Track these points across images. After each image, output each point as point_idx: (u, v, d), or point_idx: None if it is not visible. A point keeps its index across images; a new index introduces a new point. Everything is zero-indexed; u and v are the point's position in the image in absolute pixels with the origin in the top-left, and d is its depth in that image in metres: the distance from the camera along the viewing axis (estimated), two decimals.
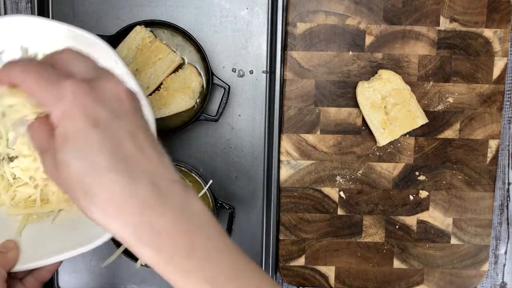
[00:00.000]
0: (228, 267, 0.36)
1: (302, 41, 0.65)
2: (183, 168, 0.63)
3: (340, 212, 0.67)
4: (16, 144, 0.43)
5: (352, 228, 0.67)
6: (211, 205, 0.63)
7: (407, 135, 0.66)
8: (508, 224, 0.71)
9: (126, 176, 0.33)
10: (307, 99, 0.66)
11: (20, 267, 0.45)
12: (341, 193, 0.67)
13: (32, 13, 0.62)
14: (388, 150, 0.67)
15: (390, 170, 0.67)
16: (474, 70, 0.66)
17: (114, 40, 0.62)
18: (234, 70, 0.67)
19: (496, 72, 0.66)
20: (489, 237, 0.68)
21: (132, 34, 0.62)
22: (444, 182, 0.67)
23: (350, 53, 0.66)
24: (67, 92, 0.32)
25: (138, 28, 0.62)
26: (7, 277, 0.43)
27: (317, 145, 0.66)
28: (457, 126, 0.67)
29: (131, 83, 0.47)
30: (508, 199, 0.70)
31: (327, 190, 0.67)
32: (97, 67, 0.36)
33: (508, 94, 0.69)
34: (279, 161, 0.66)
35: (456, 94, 0.66)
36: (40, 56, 0.40)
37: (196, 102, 0.64)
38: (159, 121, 0.58)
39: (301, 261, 0.67)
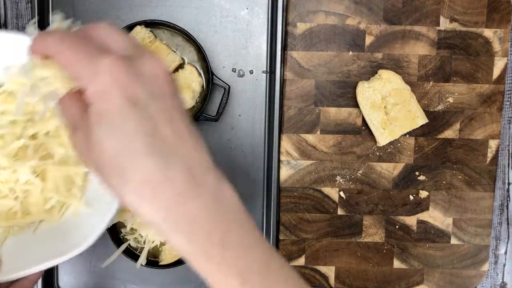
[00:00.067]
0: (259, 260, 0.36)
1: (302, 41, 0.65)
2: None
3: (340, 212, 0.67)
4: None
5: (352, 228, 0.67)
6: None
7: (407, 135, 0.66)
8: (508, 224, 0.71)
9: (162, 160, 0.32)
10: (307, 99, 0.66)
11: (1, 278, 0.46)
12: (341, 193, 0.67)
13: (32, 13, 0.62)
14: (388, 150, 0.67)
15: (390, 170, 0.67)
16: (474, 70, 0.66)
17: None
18: (234, 70, 0.67)
19: (496, 72, 0.66)
20: (489, 237, 0.68)
21: (132, 34, 0.62)
22: (444, 182, 0.67)
23: (350, 53, 0.66)
24: (106, 69, 0.31)
25: (138, 28, 0.62)
26: None
27: (317, 145, 0.66)
28: (457, 126, 0.67)
29: None
30: (508, 199, 0.70)
31: (327, 190, 0.67)
32: (136, 45, 0.34)
33: (508, 94, 0.69)
34: (279, 161, 0.66)
35: (456, 94, 0.66)
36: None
37: (196, 102, 0.64)
38: None
39: (301, 261, 0.67)
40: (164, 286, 0.68)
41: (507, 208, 0.71)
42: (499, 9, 0.65)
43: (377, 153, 0.67)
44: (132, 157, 0.31)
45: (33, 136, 0.53)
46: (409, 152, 0.67)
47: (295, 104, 0.66)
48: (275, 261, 0.37)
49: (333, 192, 0.67)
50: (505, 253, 0.71)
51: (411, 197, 0.67)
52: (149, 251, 0.61)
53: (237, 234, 0.35)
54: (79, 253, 0.49)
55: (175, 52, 0.63)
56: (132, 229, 0.61)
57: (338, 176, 0.67)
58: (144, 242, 0.61)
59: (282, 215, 0.67)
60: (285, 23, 0.65)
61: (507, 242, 0.71)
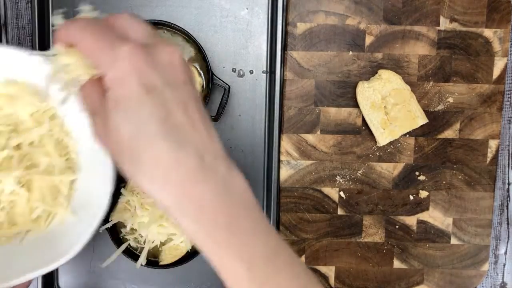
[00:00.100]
0: (265, 248, 0.36)
1: (302, 41, 0.65)
2: None
3: (340, 212, 0.67)
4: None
5: (352, 228, 0.67)
6: None
7: (407, 135, 0.66)
8: (508, 224, 0.71)
9: (174, 145, 0.33)
10: (307, 99, 0.66)
11: None
12: (341, 193, 0.67)
13: (32, 13, 0.62)
14: (388, 150, 0.67)
15: (390, 170, 0.67)
16: (474, 70, 0.66)
17: None
18: (234, 70, 0.67)
19: (496, 72, 0.66)
20: (489, 237, 0.68)
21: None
22: (444, 182, 0.67)
23: (350, 53, 0.66)
24: (124, 56, 0.32)
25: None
26: None
27: (317, 145, 0.66)
28: (457, 126, 0.67)
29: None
30: (508, 199, 0.70)
31: (327, 190, 0.67)
32: (154, 34, 0.36)
33: (508, 94, 0.69)
34: (279, 161, 0.66)
35: (456, 94, 0.66)
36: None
37: None
38: None
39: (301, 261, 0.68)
40: (164, 286, 0.68)
41: (507, 208, 0.71)
42: (499, 9, 0.65)
43: (377, 153, 0.67)
44: (146, 141, 0.32)
45: (18, 147, 0.53)
46: (409, 152, 0.67)
47: (295, 104, 0.66)
48: (282, 249, 0.38)
49: (333, 192, 0.67)
50: (505, 253, 0.71)
51: (411, 197, 0.67)
52: (149, 251, 0.61)
53: (245, 221, 0.35)
54: (65, 261, 0.50)
55: None
56: (132, 229, 0.61)
57: (338, 176, 0.67)
58: (144, 242, 0.61)
59: (282, 215, 0.67)
60: (285, 23, 0.65)
61: (507, 242, 0.71)
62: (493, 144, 0.67)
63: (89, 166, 0.56)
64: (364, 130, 0.66)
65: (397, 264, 0.68)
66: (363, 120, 0.66)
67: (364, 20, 0.65)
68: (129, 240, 0.62)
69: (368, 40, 0.65)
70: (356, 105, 0.65)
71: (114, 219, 0.61)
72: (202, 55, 0.63)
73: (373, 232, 0.68)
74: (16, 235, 0.53)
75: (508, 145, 0.70)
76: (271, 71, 0.66)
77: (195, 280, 0.68)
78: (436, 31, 0.65)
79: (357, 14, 0.65)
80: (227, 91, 0.63)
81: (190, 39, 0.63)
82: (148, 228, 0.59)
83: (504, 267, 0.71)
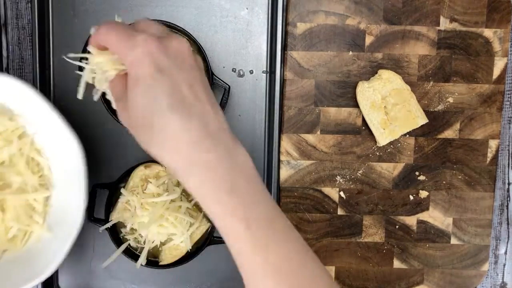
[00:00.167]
0: (264, 212, 0.40)
1: (302, 41, 0.65)
2: None
3: (340, 212, 0.67)
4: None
5: (352, 228, 0.67)
6: None
7: (407, 135, 0.66)
8: (508, 224, 0.71)
9: (181, 115, 0.38)
10: (307, 99, 0.66)
11: None
12: (341, 193, 0.67)
13: (32, 13, 0.62)
14: (388, 150, 0.67)
15: (390, 170, 0.67)
16: (474, 70, 0.66)
17: None
18: (234, 70, 0.67)
19: (496, 72, 0.66)
20: (489, 237, 0.68)
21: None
22: (444, 182, 0.67)
23: (350, 53, 0.66)
24: (140, 43, 0.39)
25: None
26: None
27: (317, 145, 0.66)
28: (457, 126, 0.67)
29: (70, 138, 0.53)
30: (508, 199, 0.70)
31: (327, 190, 0.67)
32: (168, 31, 0.43)
33: (508, 94, 0.69)
34: (279, 161, 0.66)
35: (456, 94, 0.66)
36: None
37: None
38: None
39: None
40: (164, 286, 0.68)
41: (507, 208, 0.71)
42: (499, 9, 0.65)
43: (377, 153, 0.67)
44: (157, 112, 0.38)
45: None
46: (409, 152, 0.67)
47: (295, 104, 0.66)
48: (279, 217, 0.41)
49: (333, 192, 0.67)
50: (505, 253, 0.71)
51: (411, 197, 0.67)
52: (149, 251, 0.61)
53: (245, 187, 0.40)
54: (42, 280, 0.52)
55: None
56: (132, 229, 0.61)
57: (338, 176, 0.67)
58: (144, 242, 0.61)
59: None
60: (285, 23, 0.65)
61: (507, 242, 0.71)
62: (493, 144, 0.67)
63: (63, 182, 0.57)
64: (364, 130, 0.66)
65: (397, 264, 0.68)
66: (363, 120, 0.66)
67: (364, 20, 0.65)
68: (129, 240, 0.62)
69: (368, 40, 0.65)
70: (356, 105, 0.65)
71: (114, 219, 0.61)
72: (202, 55, 0.63)
73: (373, 232, 0.68)
74: None
75: (508, 145, 0.70)
76: (271, 71, 0.66)
77: (195, 280, 0.68)
78: (436, 31, 0.65)
79: (357, 14, 0.65)
80: (227, 91, 0.63)
81: (190, 39, 0.63)
82: (148, 228, 0.59)
83: (504, 267, 0.71)
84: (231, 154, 0.40)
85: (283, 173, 0.66)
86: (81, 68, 0.46)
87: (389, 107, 0.64)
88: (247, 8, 0.66)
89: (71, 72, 0.64)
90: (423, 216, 0.68)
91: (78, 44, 0.62)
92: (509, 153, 0.70)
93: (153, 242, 0.60)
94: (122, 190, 0.61)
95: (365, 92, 0.64)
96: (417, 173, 0.67)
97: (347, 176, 0.67)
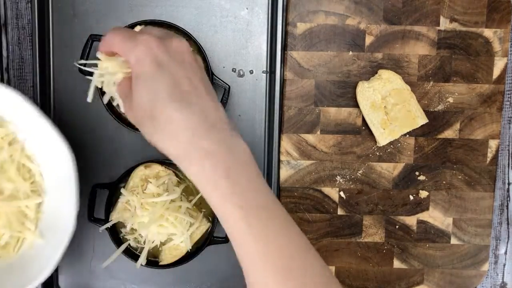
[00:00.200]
0: (260, 198, 0.42)
1: (302, 41, 0.65)
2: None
3: (340, 212, 0.67)
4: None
5: (352, 228, 0.67)
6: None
7: (407, 135, 0.66)
8: (508, 224, 0.71)
9: (182, 106, 0.41)
10: (307, 99, 0.66)
11: None
12: (341, 193, 0.67)
13: (32, 13, 0.62)
14: (388, 150, 0.67)
15: (390, 170, 0.67)
16: (474, 70, 0.66)
17: None
18: (234, 70, 0.67)
19: (496, 72, 0.66)
20: (489, 237, 0.68)
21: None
22: (444, 182, 0.67)
23: (350, 53, 0.66)
24: (141, 43, 0.42)
25: (138, 28, 0.62)
26: None
27: (317, 145, 0.66)
28: (457, 126, 0.67)
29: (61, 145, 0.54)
30: (508, 199, 0.70)
31: (327, 190, 0.67)
32: (169, 33, 0.46)
33: (508, 94, 0.69)
34: (279, 161, 0.66)
35: (456, 94, 0.66)
36: None
37: None
38: None
39: None
40: (164, 286, 0.68)
41: (507, 208, 0.71)
42: (499, 9, 0.65)
43: (377, 153, 0.67)
44: (160, 104, 0.41)
45: None
46: (409, 152, 0.67)
47: (295, 104, 0.66)
48: (274, 204, 0.43)
49: (333, 192, 0.67)
50: (505, 253, 0.71)
51: (411, 197, 0.67)
52: (149, 251, 0.61)
53: (243, 175, 0.41)
54: (37, 284, 0.53)
55: None
56: (132, 229, 0.61)
57: (338, 176, 0.67)
58: (144, 242, 0.61)
59: None
60: (285, 23, 0.65)
61: (507, 242, 0.71)
62: (493, 144, 0.67)
63: (55, 188, 0.57)
64: (364, 130, 0.66)
65: (397, 264, 0.68)
66: (363, 120, 0.66)
67: (364, 20, 0.65)
68: (129, 240, 0.62)
69: (368, 40, 0.65)
70: (356, 105, 0.65)
71: (114, 219, 0.61)
72: (202, 55, 0.63)
73: (373, 232, 0.68)
74: None
75: (508, 145, 0.70)
76: (271, 71, 0.66)
77: (195, 280, 0.68)
78: (436, 31, 0.65)
79: (357, 14, 0.65)
80: (227, 91, 0.63)
81: (190, 39, 0.63)
82: (148, 228, 0.59)
83: (504, 267, 0.71)
84: (230, 144, 0.42)
85: (283, 173, 0.66)
86: (82, 71, 0.49)
87: (389, 107, 0.64)
88: (247, 8, 0.66)
89: (71, 72, 0.64)
90: (423, 216, 0.68)
91: (78, 44, 0.62)
92: (509, 153, 0.70)
93: (153, 242, 0.60)
94: (122, 190, 0.61)
95: (365, 92, 0.64)
96: (417, 173, 0.67)
97: (347, 176, 0.67)
